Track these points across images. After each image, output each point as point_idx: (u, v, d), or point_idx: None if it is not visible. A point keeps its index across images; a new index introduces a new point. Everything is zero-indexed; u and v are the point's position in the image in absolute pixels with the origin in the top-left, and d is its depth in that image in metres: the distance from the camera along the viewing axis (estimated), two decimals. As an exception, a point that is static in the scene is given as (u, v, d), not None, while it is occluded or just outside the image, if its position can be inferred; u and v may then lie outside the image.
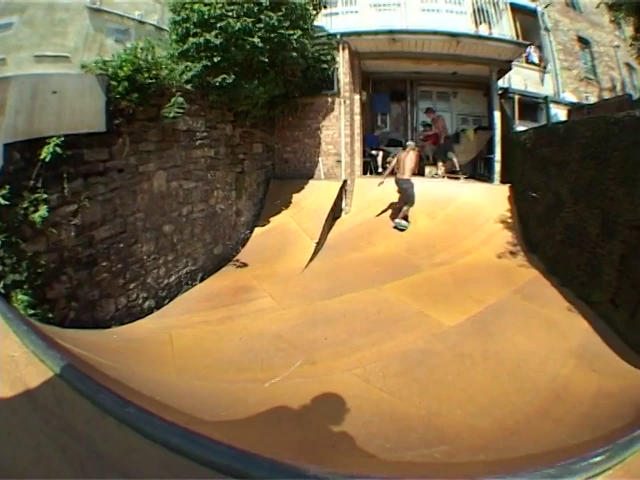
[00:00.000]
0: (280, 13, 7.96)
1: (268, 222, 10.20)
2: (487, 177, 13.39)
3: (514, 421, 3.91)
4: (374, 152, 14.17)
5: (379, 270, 8.38)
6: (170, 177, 7.09)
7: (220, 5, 7.47)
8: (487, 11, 12.62)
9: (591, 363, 5.12)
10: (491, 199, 11.53)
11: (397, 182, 10.55)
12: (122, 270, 6.02)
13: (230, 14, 7.46)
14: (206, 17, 7.47)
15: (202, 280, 7.93)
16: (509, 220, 10.62)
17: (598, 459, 2.14)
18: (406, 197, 10.47)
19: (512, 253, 9.39)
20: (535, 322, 6.31)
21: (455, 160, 13.73)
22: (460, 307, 6.67)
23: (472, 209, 10.46)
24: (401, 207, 10.55)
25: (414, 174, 10.69)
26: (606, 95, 18.41)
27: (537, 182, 9.71)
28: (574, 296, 6.93)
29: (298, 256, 9.05)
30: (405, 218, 10.47)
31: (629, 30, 14.17)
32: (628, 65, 19.53)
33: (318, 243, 9.52)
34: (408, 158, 10.44)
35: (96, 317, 5.50)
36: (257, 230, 10.04)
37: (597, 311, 6.30)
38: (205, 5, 7.48)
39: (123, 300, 6.07)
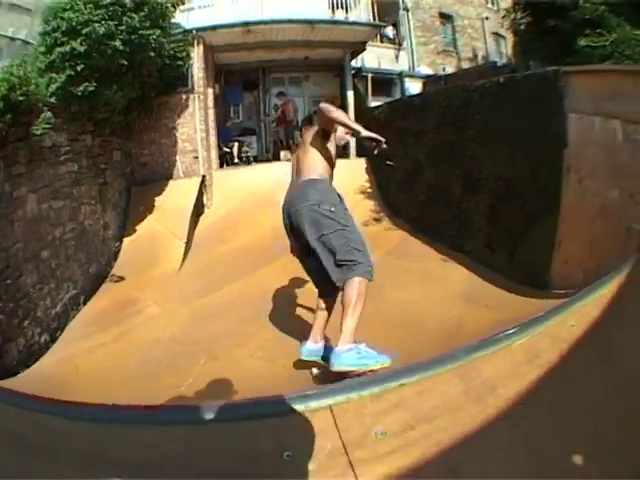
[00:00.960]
0: (142, 14, 9.02)
1: (135, 230, 11.13)
2: (343, 153, 15.22)
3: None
4: (229, 145, 15.73)
5: (250, 258, 9.52)
6: (41, 199, 7.67)
7: (88, 10, 8.34)
8: None
9: (481, 301, 6.34)
10: (349, 173, 12.88)
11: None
12: (14, 309, 6.40)
13: (96, 19, 8.35)
14: (74, 24, 8.30)
15: (85, 303, 8.64)
16: (369, 190, 12.58)
17: (512, 330, 3.13)
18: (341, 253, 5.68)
19: (376, 219, 11.22)
20: (414, 276, 7.69)
21: None
22: None
23: None
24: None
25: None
26: (465, 65, 22.14)
27: (394, 152, 11.50)
28: (446, 248, 8.64)
29: (170, 259, 10.10)
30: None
31: (503, 3, 17.26)
32: (496, 34, 23.43)
33: (187, 242, 10.69)
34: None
35: (5, 365, 5.87)
36: (126, 240, 10.90)
37: (473, 257, 7.99)
38: (75, 12, 8.31)
39: (22, 340, 6.50)
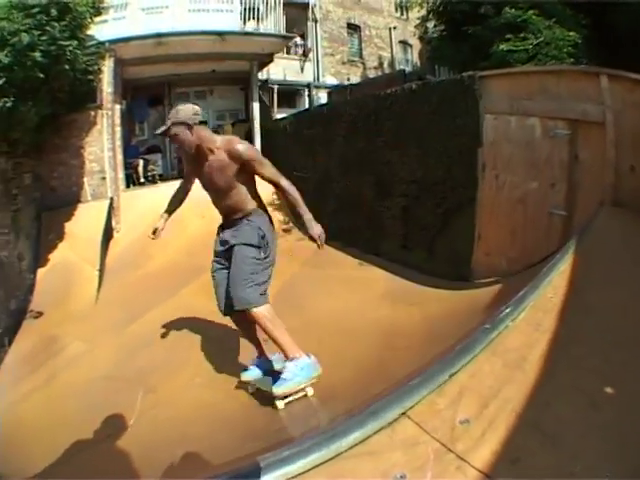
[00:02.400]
0: (63, 23, 8.45)
1: (48, 260, 10.41)
2: None
3: (369, 362, 4.94)
4: (133, 165, 15.12)
5: (168, 280, 9.37)
6: None
7: (19, 19, 7.77)
8: (257, 8, 14.72)
9: (406, 299, 6.62)
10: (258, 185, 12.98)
11: None
12: None
13: (23, 28, 7.77)
14: (5, 34, 7.70)
15: (10, 343, 8.05)
16: (277, 202, 12.10)
17: (508, 310, 3.36)
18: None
19: (287, 231, 11.35)
20: (335, 283, 7.85)
21: None
22: None
23: None
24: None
25: None
26: (371, 73, 23.00)
27: (303, 163, 11.85)
28: (361, 253, 8.97)
29: (86, 289, 9.57)
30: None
31: (413, 13, 17.70)
32: (404, 42, 24.80)
33: (100, 270, 10.17)
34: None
35: None
36: (40, 271, 10.20)
37: (390, 259, 8.33)
38: (9, 21, 7.75)
39: None
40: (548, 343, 2.98)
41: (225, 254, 4.72)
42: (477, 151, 7.10)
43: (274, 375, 4.35)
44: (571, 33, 10.43)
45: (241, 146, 4.40)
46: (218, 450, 3.91)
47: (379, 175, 8.99)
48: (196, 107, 4.51)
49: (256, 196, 4.96)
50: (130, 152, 15.11)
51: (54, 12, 8.14)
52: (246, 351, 5.76)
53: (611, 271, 4.03)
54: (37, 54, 7.96)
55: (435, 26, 15.06)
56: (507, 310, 3.33)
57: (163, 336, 6.82)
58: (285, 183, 4.71)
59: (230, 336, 6.21)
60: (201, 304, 7.07)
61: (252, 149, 4.81)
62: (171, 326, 7.02)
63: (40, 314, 9.01)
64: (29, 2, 7.88)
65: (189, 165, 5.02)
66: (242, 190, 4.67)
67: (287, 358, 4.30)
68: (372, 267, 8.24)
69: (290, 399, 4.32)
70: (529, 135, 6.56)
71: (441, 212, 7.66)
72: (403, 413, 2.43)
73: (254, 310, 4.23)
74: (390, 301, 6.70)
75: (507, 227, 6.73)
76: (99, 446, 4.44)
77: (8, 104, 8.07)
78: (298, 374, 4.20)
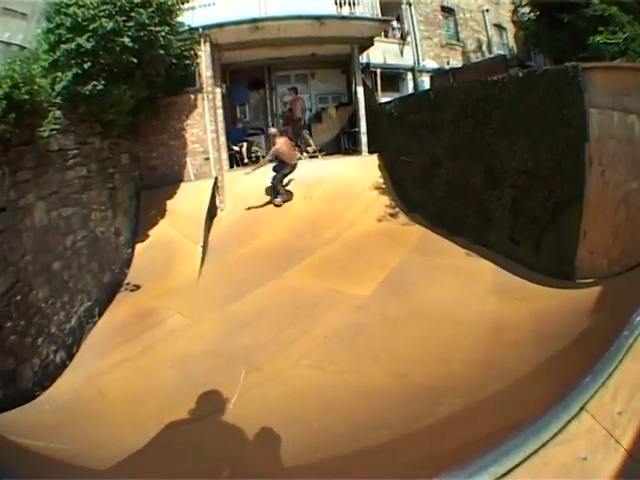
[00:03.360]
0: (150, 9, 8.59)
1: (148, 236, 10.74)
2: (354, 150, 15.77)
3: (479, 356, 4.89)
4: (238, 145, 15.42)
5: (273, 260, 9.35)
6: (49, 207, 7.18)
7: (94, 5, 7.88)
8: None
9: (511, 294, 6.45)
10: (362, 170, 13.35)
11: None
12: (26, 327, 5.99)
13: (102, 14, 7.90)
14: (79, 20, 7.86)
15: (100, 314, 8.23)
16: (383, 186, 12.43)
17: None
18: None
19: (393, 215, 11.18)
20: (442, 272, 7.71)
21: (310, 140, 15.89)
22: (367, 276, 7.88)
23: (346, 183, 11.83)
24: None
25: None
26: (470, 57, 22.17)
27: (409, 147, 11.68)
28: (468, 243, 8.64)
29: (188, 265, 9.73)
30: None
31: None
32: (498, 26, 23.70)
33: (203, 247, 10.33)
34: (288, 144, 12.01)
35: (20, 388, 5.57)
36: (139, 247, 10.54)
37: (497, 250, 8.03)
38: (80, 7, 7.87)
39: (37, 361, 6.09)
40: None
41: None
42: (584, 145, 6.73)
43: None
44: None
45: None
46: (332, 435, 3.93)
47: (488, 163, 8.68)
48: None
49: None
50: (235, 135, 15.53)
51: None
52: (352, 336, 5.92)
53: None
54: (125, 39, 8.13)
55: (530, 11, 14.56)
56: (638, 318, 3.11)
57: (267, 316, 6.98)
58: None
59: (336, 321, 6.34)
60: (307, 286, 7.43)
61: None
62: (276, 306, 7.22)
63: (137, 287, 9.28)
64: None
65: None
66: None
67: None
68: (479, 258, 8.00)
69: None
70: (630, 132, 6.17)
71: (550, 206, 7.29)
72: (582, 407, 2.53)
73: None
74: (497, 294, 6.58)
75: (610, 226, 6.34)
76: (199, 423, 4.48)
77: (98, 87, 8.28)
78: None
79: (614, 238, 6.23)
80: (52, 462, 3.61)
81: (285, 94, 17.19)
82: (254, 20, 12.68)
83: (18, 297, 5.90)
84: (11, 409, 5.04)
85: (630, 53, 9.83)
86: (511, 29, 23.43)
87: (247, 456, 3.87)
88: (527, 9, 15.08)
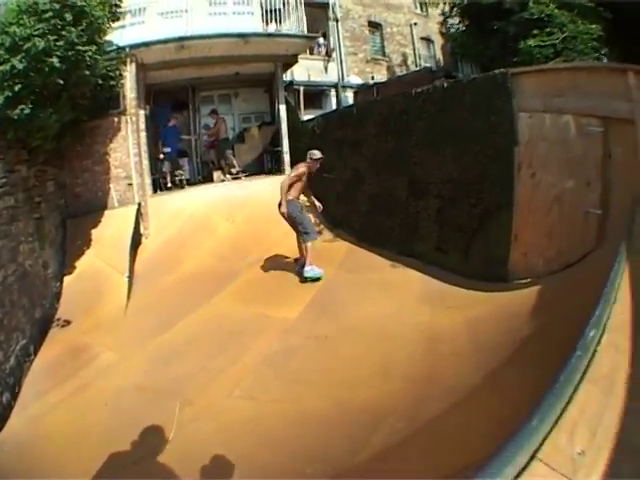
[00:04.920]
0: (80, 27, 8.35)
1: (75, 268, 10.46)
2: (277, 170, 15.95)
3: (417, 371, 4.95)
4: (165, 167, 15.19)
5: (199, 286, 9.38)
6: None
7: (31, 24, 7.69)
8: (278, 9, 14.69)
9: (444, 302, 6.66)
10: None
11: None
12: None
13: (37, 33, 7.70)
14: (17, 39, 7.66)
15: (36, 352, 8.01)
16: (306, 204, 12.24)
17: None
18: (299, 227, 9.15)
19: (319, 233, 11.08)
20: (371, 288, 7.86)
21: (234, 161, 15.94)
22: (294, 298, 8.00)
23: (269, 203, 11.45)
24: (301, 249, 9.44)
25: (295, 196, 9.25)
26: (396, 71, 22.89)
27: (332, 164, 11.73)
28: (395, 255, 8.92)
29: (116, 296, 9.58)
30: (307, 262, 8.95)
31: (433, 10, 17.71)
32: (426, 39, 24.69)
33: (130, 276, 10.21)
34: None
35: None
36: (67, 279, 10.21)
37: (426, 261, 8.32)
38: (19, 26, 7.67)
39: None
40: (629, 365, 2.92)
41: None
42: (513, 150, 7.09)
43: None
44: (593, 26, 10.47)
45: None
46: (269, 470, 3.92)
47: (412, 175, 8.98)
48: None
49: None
50: (168, 134, 15.51)
51: (69, 17, 8.06)
52: (283, 361, 5.93)
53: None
54: (54, 59, 7.91)
55: (459, 22, 15.06)
56: (591, 334, 3.15)
57: (195, 346, 6.94)
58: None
59: (265, 346, 6.35)
60: (234, 311, 7.40)
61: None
62: (203, 336, 7.16)
63: (68, 323, 9.00)
64: (40, 7, 7.80)
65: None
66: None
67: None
68: (407, 269, 8.20)
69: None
70: (564, 133, 6.52)
71: (478, 213, 7.62)
72: (532, 456, 2.41)
73: None
74: (429, 305, 6.73)
75: (544, 226, 6.71)
76: (140, 464, 4.45)
77: (26, 111, 8.04)
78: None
79: (549, 238, 6.63)
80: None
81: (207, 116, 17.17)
82: (180, 39, 12.62)
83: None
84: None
85: (568, 52, 10.22)
86: (439, 41, 24.27)
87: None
88: (456, 19, 15.60)
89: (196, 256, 10.99)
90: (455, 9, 14.63)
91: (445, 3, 15.73)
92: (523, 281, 6.56)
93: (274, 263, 10.18)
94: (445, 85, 8.53)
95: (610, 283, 3.77)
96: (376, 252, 9.34)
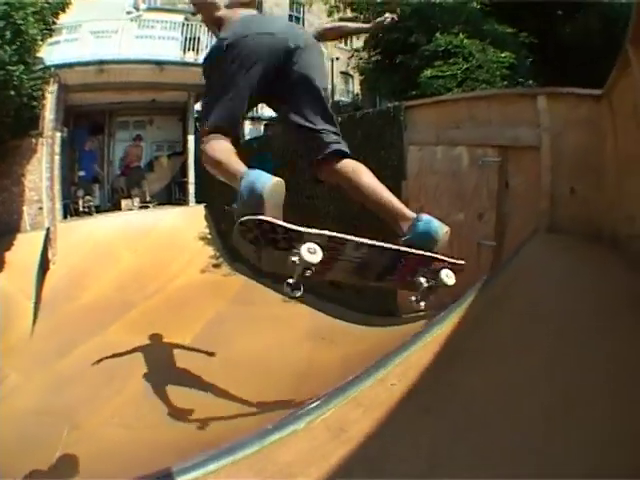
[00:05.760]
0: (15, 47, 8.25)
1: None
2: (183, 200, 16.16)
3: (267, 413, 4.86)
4: (82, 174, 15.71)
5: (97, 316, 9.29)
6: None
7: None
8: (198, 38, 14.81)
9: (328, 338, 6.72)
10: (189, 221, 13.87)
11: None
12: None
13: None
14: None
15: None
16: (208, 236, 12.89)
17: (315, 404, 2.89)
18: None
19: (217, 266, 11.57)
20: (259, 322, 7.98)
21: (146, 189, 16.06)
22: (183, 329, 8.00)
23: (172, 234, 12.03)
24: None
25: None
26: None
27: (233, 197, 11.51)
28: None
29: (23, 321, 9.45)
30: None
31: (356, 43, 17.77)
32: (345, 73, 24.88)
33: (36, 302, 10.04)
34: None
35: None
36: None
37: (318, 296, 7.97)
38: None
39: None
40: (342, 461, 2.46)
41: None
42: (400, 184, 7.06)
43: None
44: (504, 54, 10.44)
45: None
46: None
47: (303, 210, 8.64)
48: None
49: None
50: (84, 158, 15.81)
51: (8, 35, 7.99)
52: (160, 391, 5.92)
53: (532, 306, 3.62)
54: None
55: (370, 57, 15.00)
56: (307, 407, 3.00)
57: (88, 373, 6.94)
58: None
59: (151, 377, 6.34)
60: (125, 341, 7.30)
61: None
62: (97, 364, 6.98)
63: (-22, 346, 8.72)
64: None
65: None
66: None
67: None
68: (299, 305, 7.99)
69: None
70: (455, 165, 6.60)
71: None
72: None
73: None
74: (312, 341, 6.83)
75: None
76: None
77: None
78: None
79: (439, 271, 6.62)
80: None
81: (123, 140, 17.18)
82: (101, 62, 12.65)
83: None
84: None
85: (470, 82, 10.10)
86: (357, 76, 24.53)
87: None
88: (366, 54, 15.48)
89: (99, 285, 10.96)
90: (366, 44, 14.69)
91: (358, 39, 15.74)
92: (412, 315, 6.29)
93: (170, 294, 10.30)
94: (339, 119, 8.31)
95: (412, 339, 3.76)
96: (271, 287, 9.09)
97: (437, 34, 10.81)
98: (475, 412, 2.47)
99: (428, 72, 10.28)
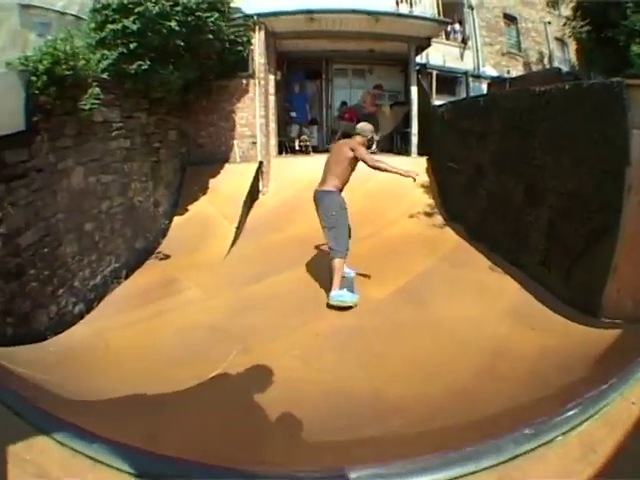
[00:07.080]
0: None
1: (187, 210, 10.91)
2: (404, 150, 15.38)
3: (462, 384, 4.41)
4: (293, 133, 15.57)
5: (303, 250, 9.10)
6: (88, 172, 7.40)
7: None
8: None
9: (528, 322, 5.93)
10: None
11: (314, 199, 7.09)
12: (49, 277, 6.13)
13: None
14: (125, 2, 8.03)
15: (127, 277, 8.33)
16: (429, 191, 12.09)
17: (572, 413, 2.38)
18: (330, 240, 6.82)
19: (433, 221, 10.84)
20: (465, 287, 7.27)
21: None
22: (388, 279, 7.58)
23: (392, 182, 10.98)
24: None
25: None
26: (533, 68, 21.13)
27: (457, 154, 11.26)
28: (501, 260, 8.05)
29: (219, 242, 9.81)
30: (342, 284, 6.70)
31: (565, 10, 16.50)
32: (560, 40, 22.26)
33: (238, 227, 10.39)
34: (334, 154, 7.19)
35: (32, 330, 5.63)
36: (176, 219, 10.69)
37: (528, 273, 7.34)
38: None
39: (54, 308, 6.20)
40: None
41: None
42: (624, 170, 5.91)
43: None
44: None
45: None
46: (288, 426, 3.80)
47: (530, 180, 7.91)
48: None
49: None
50: (295, 100, 16.09)
51: None
52: (351, 338, 5.75)
53: None
54: (172, 23, 8.24)
55: (582, 26, 13.40)
56: (566, 414, 2.47)
57: (277, 302, 6.90)
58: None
59: (342, 319, 6.25)
60: (327, 280, 6.98)
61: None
62: (290, 294, 7.12)
63: (167, 257, 9.45)
64: None
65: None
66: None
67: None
68: (508, 278, 7.38)
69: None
70: None
71: (585, 233, 6.48)
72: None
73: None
74: (512, 319, 6.06)
75: None
76: (168, 383, 4.44)
77: (144, 67, 8.42)
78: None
79: (646, 278, 5.50)
80: (44, 391, 3.67)
81: (342, 87, 17.38)
82: (309, 11, 12.54)
83: (45, 249, 6.07)
84: (18, 346, 5.17)
85: None
86: (573, 45, 22.70)
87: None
88: (579, 23, 13.89)
89: (307, 220, 10.01)
90: (578, 12, 13.20)
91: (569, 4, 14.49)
92: (611, 320, 5.48)
93: (382, 241, 9.84)
94: (566, 87, 7.31)
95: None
96: (484, 253, 8.56)
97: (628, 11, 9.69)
98: None
99: (634, 47, 9.38)
